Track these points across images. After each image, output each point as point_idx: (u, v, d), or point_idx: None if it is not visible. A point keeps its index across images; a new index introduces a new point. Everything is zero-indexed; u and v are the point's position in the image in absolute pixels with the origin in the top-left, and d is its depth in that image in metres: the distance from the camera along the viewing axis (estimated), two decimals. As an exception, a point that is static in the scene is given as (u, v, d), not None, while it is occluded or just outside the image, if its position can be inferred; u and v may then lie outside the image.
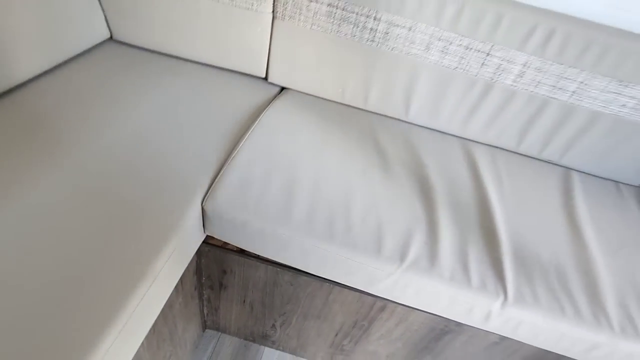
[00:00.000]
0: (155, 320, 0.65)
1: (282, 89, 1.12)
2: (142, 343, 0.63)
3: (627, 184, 1.06)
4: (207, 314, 1.00)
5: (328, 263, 0.73)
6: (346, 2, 0.90)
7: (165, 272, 0.60)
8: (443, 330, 0.80)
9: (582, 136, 0.99)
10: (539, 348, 0.77)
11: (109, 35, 1.09)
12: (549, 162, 1.07)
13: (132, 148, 0.75)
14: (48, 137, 0.72)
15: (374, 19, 0.91)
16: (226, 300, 0.93)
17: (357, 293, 0.78)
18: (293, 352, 1.05)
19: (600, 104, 0.93)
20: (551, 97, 0.95)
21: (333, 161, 0.86)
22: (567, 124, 0.98)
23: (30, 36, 0.82)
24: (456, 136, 1.08)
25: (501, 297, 0.68)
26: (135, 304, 0.53)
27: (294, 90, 1.10)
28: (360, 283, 0.74)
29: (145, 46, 1.09)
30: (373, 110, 1.09)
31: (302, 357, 1.05)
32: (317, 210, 0.74)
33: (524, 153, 1.07)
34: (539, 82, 0.93)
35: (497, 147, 1.08)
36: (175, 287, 0.72)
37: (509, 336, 0.73)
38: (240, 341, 1.06)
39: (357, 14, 0.92)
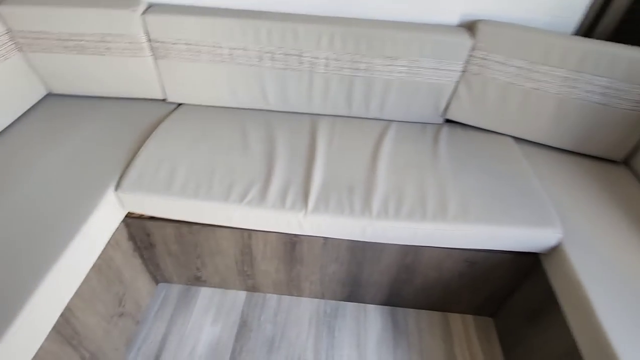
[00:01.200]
0: (96, 264, 1.08)
1: (179, 104, 1.53)
2: (89, 276, 1.06)
3: (432, 123, 1.48)
4: (154, 270, 1.44)
5: (203, 212, 1.16)
6: (197, 41, 1.32)
7: (95, 232, 1.04)
8: (291, 241, 1.24)
9: (386, 96, 1.41)
10: (346, 240, 1.20)
11: (47, 92, 1.51)
12: (375, 119, 1.49)
13: (62, 170, 1.17)
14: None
15: (218, 46, 1.33)
16: (159, 256, 1.37)
17: (228, 229, 1.21)
18: (219, 286, 1.49)
19: (386, 74, 1.35)
20: (353, 75, 1.36)
21: (205, 149, 1.28)
22: (372, 90, 1.39)
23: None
24: (306, 113, 1.50)
25: (303, 211, 1.11)
26: (74, 245, 0.96)
27: (187, 104, 1.52)
28: (225, 221, 1.17)
29: (73, 93, 1.51)
30: (245, 107, 1.50)
31: (227, 288, 1.49)
32: (189, 181, 1.16)
33: (356, 115, 1.49)
34: (340, 67, 1.35)
35: (336, 115, 1.49)
36: (110, 245, 1.15)
37: (322, 235, 1.17)
38: (184, 286, 1.50)
39: (205, 45, 1.33)
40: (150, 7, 1.33)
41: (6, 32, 1.31)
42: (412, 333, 1.38)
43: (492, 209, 1.12)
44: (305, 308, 1.44)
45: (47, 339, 0.91)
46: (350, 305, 1.47)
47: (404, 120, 1.48)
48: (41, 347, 0.89)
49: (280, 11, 1.34)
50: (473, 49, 1.27)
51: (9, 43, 1.32)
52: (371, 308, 1.46)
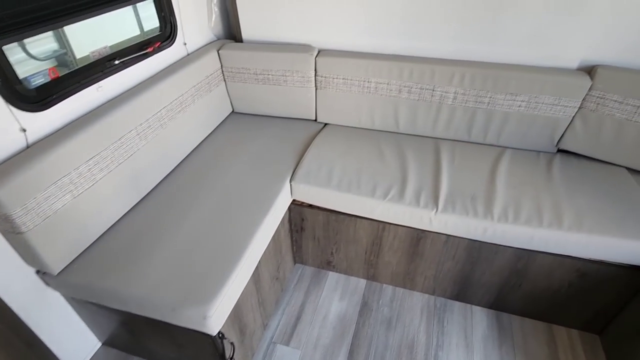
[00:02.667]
0: (274, 234, 1.48)
1: (325, 124, 1.95)
2: (270, 243, 1.45)
3: (546, 152, 1.68)
4: (296, 251, 1.81)
5: (352, 204, 1.50)
6: (351, 77, 1.73)
7: (274, 214, 1.44)
8: (417, 237, 1.51)
9: (503, 125, 1.65)
10: (467, 239, 1.43)
11: (232, 110, 2.05)
12: (491, 145, 1.73)
13: (252, 165, 1.63)
14: (208, 173, 1.64)
15: (367, 81, 1.72)
16: (305, 239, 1.74)
17: (367, 220, 1.54)
18: (345, 272, 1.80)
19: (506, 107, 1.61)
20: (476, 107, 1.64)
21: (352, 157, 1.65)
22: (492, 120, 1.65)
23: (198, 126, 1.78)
24: (430, 137, 1.80)
25: (434, 210, 1.39)
26: (264, 224, 1.36)
27: (332, 124, 1.94)
28: (368, 213, 1.50)
29: (249, 112, 2.03)
30: (379, 129, 1.86)
31: (351, 274, 1.80)
32: (343, 180, 1.53)
33: (474, 141, 1.75)
34: (466, 100, 1.64)
35: (456, 140, 1.77)
36: (282, 223, 1.55)
37: (447, 233, 1.43)
38: (315, 269, 1.85)
39: (357, 79, 1.73)
40: (320, 52, 1.79)
41: (220, 67, 1.86)
42: (516, 335, 1.53)
43: (606, 223, 1.27)
44: (417, 300, 1.68)
45: (251, 277, 1.30)
46: (458, 304, 1.67)
47: (519, 147, 1.70)
48: (248, 282, 1.28)
49: (420, 56, 1.70)
50: (591, 89, 1.47)
51: (220, 76, 1.88)
52: (477, 309, 1.64)
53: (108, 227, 1.31)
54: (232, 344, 1.21)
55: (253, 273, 1.33)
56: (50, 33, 1.31)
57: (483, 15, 1.53)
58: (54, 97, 1.17)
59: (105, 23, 1.83)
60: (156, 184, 1.51)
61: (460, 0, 1.52)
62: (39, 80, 1.13)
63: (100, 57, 1.36)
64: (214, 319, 1.07)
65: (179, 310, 1.06)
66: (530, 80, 1.52)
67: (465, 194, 1.44)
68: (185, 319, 1.08)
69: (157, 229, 1.31)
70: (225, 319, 1.14)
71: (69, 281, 1.16)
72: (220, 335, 1.13)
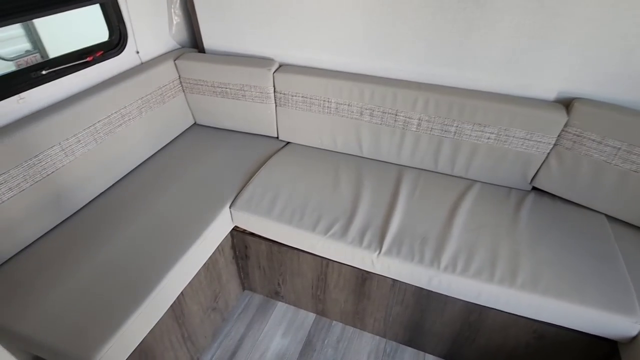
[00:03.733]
0: (206, 263, 1.37)
1: (287, 143, 1.83)
2: (200, 272, 1.34)
3: (519, 189, 1.51)
4: (244, 278, 1.70)
5: (293, 237, 1.38)
6: (311, 95, 1.60)
7: (211, 237, 1.32)
8: (362, 277, 1.37)
9: (472, 158, 1.50)
10: (413, 285, 1.29)
11: (194, 122, 1.95)
12: (460, 177, 1.58)
13: (195, 186, 1.52)
14: (165, 182, 1.54)
15: (327, 100, 1.59)
16: (251, 267, 1.62)
17: (310, 255, 1.41)
18: (294, 304, 1.67)
19: (474, 138, 1.45)
20: (443, 136, 1.49)
21: (303, 184, 1.52)
22: (459, 151, 1.50)
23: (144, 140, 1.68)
24: (395, 164, 1.66)
25: (377, 252, 1.25)
26: (189, 254, 1.24)
27: (294, 143, 1.81)
28: (309, 247, 1.37)
29: (211, 125, 1.92)
30: (341, 151, 1.73)
31: (299, 307, 1.67)
32: (286, 209, 1.40)
33: (441, 171, 1.60)
34: (431, 128, 1.49)
35: (423, 169, 1.62)
36: (218, 249, 1.44)
37: (390, 276, 1.28)
38: (264, 297, 1.73)
39: (317, 99, 1.60)
40: (280, 67, 1.67)
41: (178, 78, 1.77)
42: (469, 395, 1.37)
43: (565, 284, 1.11)
44: (367, 342, 1.54)
45: (166, 313, 1.19)
46: (410, 350, 1.52)
47: (489, 182, 1.54)
48: (162, 318, 1.17)
49: (383, 76, 1.56)
50: (567, 125, 1.31)
51: (178, 86, 1.78)
52: (430, 358, 1.49)
53: (16, 252, 1.22)
54: (134, 389, 1.10)
55: (171, 308, 1.22)
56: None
57: (451, 36, 1.38)
58: (-43, 110, 1.08)
59: (48, 28, 1.74)
60: (85, 203, 1.41)
61: (426, 20, 1.38)
62: None
63: (27, 65, 1.28)
64: (101, 368, 0.96)
65: (62, 355, 0.96)
66: (499, 111, 1.36)
67: (416, 235, 1.29)
68: (71, 366, 0.98)
69: (70, 256, 1.21)
70: (121, 364, 1.04)
71: (-38, 309, 1.08)
72: (113, 383, 1.02)
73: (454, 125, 1.45)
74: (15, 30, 2.23)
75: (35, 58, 1.33)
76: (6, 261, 1.20)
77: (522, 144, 1.39)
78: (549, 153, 1.38)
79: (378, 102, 1.52)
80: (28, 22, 2.12)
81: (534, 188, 1.50)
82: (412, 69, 1.51)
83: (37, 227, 1.26)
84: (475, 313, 1.25)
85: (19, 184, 1.17)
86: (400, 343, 1.54)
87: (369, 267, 1.30)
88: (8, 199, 1.15)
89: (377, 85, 1.49)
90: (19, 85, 1.23)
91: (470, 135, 1.45)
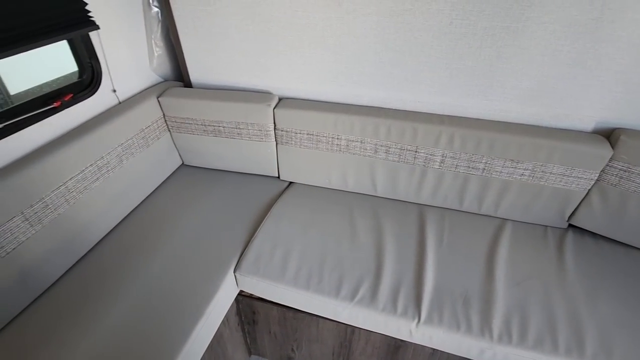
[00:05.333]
0: (211, 342, 1.14)
1: (290, 183, 1.63)
2: (204, 356, 1.12)
3: (555, 227, 1.37)
4: (250, 343, 1.47)
5: (311, 303, 1.17)
6: (318, 132, 1.42)
7: (215, 312, 1.10)
8: (395, 345, 1.18)
9: (503, 196, 1.34)
10: (459, 357, 1.11)
11: (181, 163, 1.72)
12: (488, 216, 1.42)
13: (189, 248, 1.29)
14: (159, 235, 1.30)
15: (337, 138, 1.41)
16: (259, 332, 1.40)
17: (334, 322, 1.20)
18: (310, 371, 1.46)
19: (505, 175, 1.30)
20: (469, 174, 1.33)
21: (316, 234, 1.32)
22: (488, 189, 1.34)
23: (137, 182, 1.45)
24: (414, 202, 1.48)
25: (416, 320, 1.06)
26: (198, 328, 1.03)
27: (298, 183, 1.62)
28: (332, 315, 1.17)
29: (201, 166, 1.70)
30: (353, 191, 1.54)
31: (317, 375, 1.46)
32: (301, 270, 1.20)
33: (467, 210, 1.44)
34: (456, 165, 1.33)
35: (446, 208, 1.46)
36: (223, 322, 1.21)
37: (431, 346, 1.10)
38: (274, 363, 1.51)
39: (325, 136, 1.42)
40: (280, 101, 1.48)
41: (162, 117, 1.55)
42: None
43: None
44: (399, 414, 1.34)
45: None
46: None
47: (521, 220, 1.39)
48: None
49: (399, 108, 1.40)
50: (612, 159, 1.17)
51: (163, 125, 1.56)
52: None
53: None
54: None
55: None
56: None
57: (476, 64, 1.23)
58: None
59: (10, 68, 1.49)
60: (56, 279, 1.17)
61: (448, 47, 1.23)
62: None
63: (-24, 120, 1.04)
64: None
65: None
66: (536, 146, 1.21)
67: (456, 294, 1.12)
68: None
69: (45, 346, 0.96)
70: None
71: None
72: None
73: (483, 161, 1.29)
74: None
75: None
76: (-45, 371, 0.94)
77: (560, 180, 1.25)
78: (590, 189, 1.25)
79: (395, 138, 1.35)
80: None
81: (570, 225, 1.36)
82: (432, 99, 1.35)
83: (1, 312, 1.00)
84: (532, 385, 1.08)
85: (-31, 272, 0.93)
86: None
87: (405, 337, 1.11)
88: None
89: (394, 120, 1.32)
90: (-34, 144, 0.99)
91: (501, 172, 1.30)
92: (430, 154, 1.34)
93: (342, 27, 1.29)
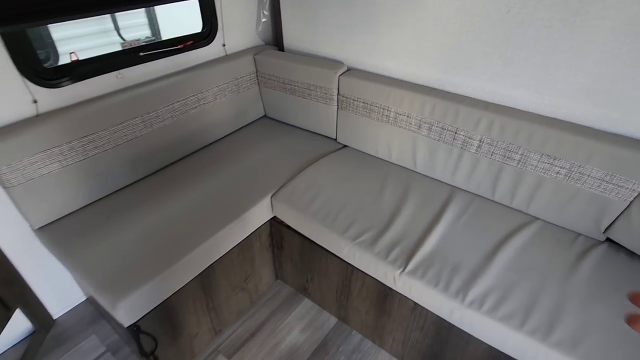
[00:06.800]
0: (240, 244, 1.45)
1: (344, 146, 1.84)
2: (232, 251, 1.43)
3: (589, 237, 1.30)
4: (277, 267, 1.76)
5: (322, 236, 1.39)
6: (372, 102, 1.59)
7: (248, 220, 1.41)
8: (384, 292, 1.32)
9: (536, 192, 1.34)
10: (435, 315, 1.20)
11: (263, 114, 2.08)
12: (519, 211, 1.42)
13: (247, 172, 1.62)
14: (216, 161, 1.68)
15: (387, 109, 1.57)
16: (284, 258, 1.67)
17: (337, 258, 1.40)
18: (319, 304, 1.68)
19: (540, 171, 1.30)
20: (504, 163, 1.36)
21: (346, 187, 1.52)
22: (521, 183, 1.35)
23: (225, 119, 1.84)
24: (448, 184, 1.56)
25: (401, 269, 1.20)
26: (224, 231, 1.34)
27: (350, 147, 1.82)
28: (336, 250, 1.37)
29: (278, 119, 2.03)
30: (395, 162, 1.68)
31: (324, 308, 1.67)
32: (322, 209, 1.42)
33: (498, 201, 1.46)
34: (492, 152, 1.37)
35: (478, 195, 1.50)
36: (255, 234, 1.51)
37: (412, 298, 1.21)
38: (293, 290, 1.77)
39: (377, 106, 1.59)
40: (348, 71, 1.69)
41: (255, 72, 1.91)
42: None
43: (615, 357, 0.93)
44: (382, 361, 1.48)
45: (193, 280, 1.30)
46: (426, 384, 1.41)
47: (554, 222, 1.35)
48: (188, 283, 1.29)
49: (450, 91, 1.48)
50: (660, 171, 1.09)
51: (254, 79, 1.92)
52: (447, 399, 1.37)
53: (95, 199, 1.45)
54: (154, 339, 1.23)
55: (199, 277, 1.33)
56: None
57: (530, 55, 1.25)
58: (70, 77, 1.33)
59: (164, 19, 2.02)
60: (155, 170, 1.62)
61: (503, 36, 1.27)
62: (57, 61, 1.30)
63: (129, 47, 1.51)
64: (126, 312, 1.10)
65: (100, 292, 1.12)
66: (575, 144, 1.19)
67: (448, 262, 1.21)
68: (106, 304, 1.13)
69: (130, 213, 1.40)
70: (145, 313, 1.17)
71: (46, 237, 1.32)
72: (135, 328, 1.16)
73: (519, 152, 1.31)
74: (140, 19, 2.64)
75: (136, 42, 1.56)
76: (83, 207, 1.43)
77: (598, 186, 1.20)
78: (632, 202, 1.17)
79: (438, 117, 1.44)
80: (151, 11, 2.48)
81: (608, 239, 1.28)
82: (483, 86, 1.40)
83: (112, 182, 1.48)
84: (499, 362, 1.12)
85: (103, 144, 1.40)
86: (417, 372, 1.44)
87: (390, 284, 1.25)
88: (93, 155, 1.37)
89: (440, 99, 1.42)
90: (119, 63, 1.46)
91: (536, 167, 1.30)
92: (469, 137, 1.40)
93: (408, 9, 1.44)
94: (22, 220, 1.35)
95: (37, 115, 1.28)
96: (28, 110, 1.26)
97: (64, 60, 1.33)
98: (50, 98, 1.31)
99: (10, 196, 1.24)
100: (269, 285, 1.78)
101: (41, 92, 1.27)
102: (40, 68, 1.26)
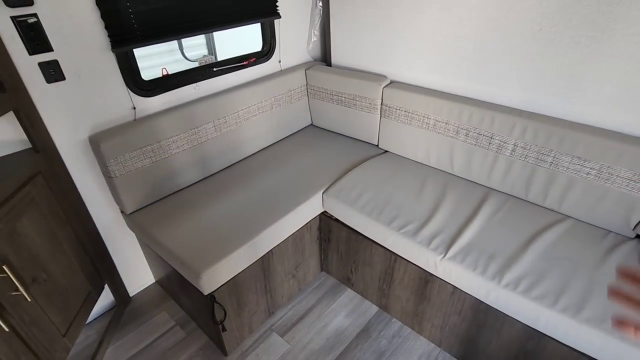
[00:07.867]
0: (295, 233, 1.65)
1: (385, 151, 2.02)
2: (288, 239, 1.63)
3: (620, 234, 1.40)
4: (323, 259, 1.94)
5: (368, 227, 1.56)
6: (413, 110, 1.77)
7: (302, 213, 1.61)
8: (425, 278, 1.46)
9: (567, 192, 1.46)
10: (472, 296, 1.33)
11: (310, 122, 2.31)
12: (552, 210, 1.54)
13: (301, 171, 1.83)
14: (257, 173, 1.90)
15: (427, 117, 1.74)
16: (331, 249, 1.85)
17: (382, 248, 1.56)
18: (361, 293, 1.84)
19: (572, 172, 1.42)
20: (537, 165, 1.50)
21: (389, 186, 1.70)
22: (554, 183, 1.48)
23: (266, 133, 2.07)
24: (483, 185, 1.70)
25: (442, 255, 1.35)
26: (281, 222, 1.54)
27: (391, 152, 2.00)
28: (381, 240, 1.53)
29: (324, 127, 2.25)
30: (434, 166, 1.85)
31: (366, 297, 1.82)
32: (368, 204, 1.60)
33: (532, 201, 1.58)
34: (526, 155, 1.51)
35: (512, 195, 1.63)
36: (307, 226, 1.71)
37: (451, 283, 1.36)
38: (337, 281, 1.93)
39: (418, 114, 1.77)
40: (390, 83, 1.89)
41: (305, 84, 2.14)
42: None
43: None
44: (421, 346, 1.61)
45: (256, 262, 1.51)
46: (463, 368, 1.53)
47: (585, 220, 1.46)
48: (253, 264, 1.49)
49: (484, 100, 1.64)
50: (684, 171, 1.20)
51: (304, 91, 2.15)
52: (482, 382, 1.48)
53: (175, 190, 1.70)
54: (224, 310, 1.43)
55: (261, 260, 1.53)
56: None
57: (561, 68, 1.40)
58: (161, 88, 1.60)
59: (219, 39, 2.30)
60: (221, 168, 1.86)
61: (536, 51, 1.43)
62: (152, 75, 1.57)
63: (205, 64, 1.78)
64: (207, 281, 1.31)
65: (185, 265, 1.34)
66: (604, 147, 1.32)
67: (485, 251, 1.35)
68: (189, 275, 1.35)
69: (205, 202, 1.63)
70: (219, 286, 1.38)
71: (135, 221, 1.57)
72: (212, 297, 1.37)
73: (551, 155, 1.44)
74: (198, 40, 2.97)
75: (210, 59, 1.83)
76: (166, 196, 1.68)
77: (626, 185, 1.31)
78: (659, 200, 1.27)
79: (475, 123, 1.60)
80: (208, 33, 2.80)
81: (638, 236, 1.38)
82: (518, 96, 1.55)
83: (188, 177, 1.72)
84: (533, 340, 1.24)
85: (182, 144, 1.65)
86: (454, 356, 1.56)
87: (432, 269, 1.40)
88: (175, 153, 1.63)
89: (476, 108, 1.58)
90: (197, 77, 1.73)
91: (567, 168, 1.42)
92: (504, 142, 1.55)
93: (449, 28, 1.62)
94: (115, 206, 1.62)
95: (135, 120, 1.55)
96: (129, 115, 1.54)
97: (146, 74, 1.59)
98: (144, 105, 1.58)
99: (112, 185, 1.50)
100: (315, 275, 1.96)
101: (138, 100, 1.55)
102: (140, 80, 1.54)
